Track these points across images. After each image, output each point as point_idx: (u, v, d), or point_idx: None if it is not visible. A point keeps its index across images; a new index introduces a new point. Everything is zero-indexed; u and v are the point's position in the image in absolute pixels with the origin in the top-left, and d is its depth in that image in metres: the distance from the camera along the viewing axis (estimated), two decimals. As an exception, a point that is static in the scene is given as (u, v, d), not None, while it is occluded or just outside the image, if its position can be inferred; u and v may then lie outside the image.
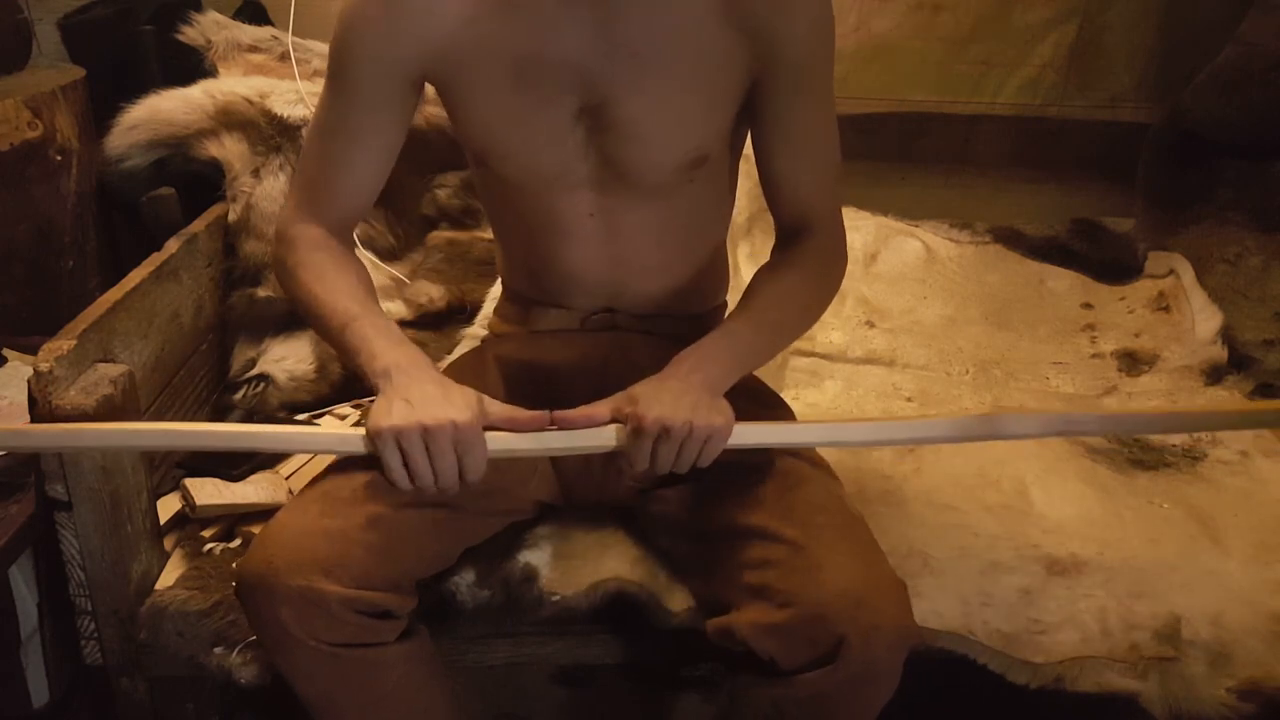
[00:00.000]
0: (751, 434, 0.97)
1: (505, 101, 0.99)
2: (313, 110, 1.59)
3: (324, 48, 1.70)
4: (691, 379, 0.94)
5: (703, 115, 1.01)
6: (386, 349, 0.94)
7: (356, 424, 1.46)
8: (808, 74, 1.00)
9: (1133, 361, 1.68)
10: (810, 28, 0.98)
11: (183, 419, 1.33)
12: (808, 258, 1.06)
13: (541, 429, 0.94)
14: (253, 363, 1.47)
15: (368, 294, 1.01)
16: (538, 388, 1.10)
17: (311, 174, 1.04)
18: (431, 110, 1.58)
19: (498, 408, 0.94)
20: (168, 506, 1.20)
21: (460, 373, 1.18)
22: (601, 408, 0.94)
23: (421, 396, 0.89)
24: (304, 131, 1.60)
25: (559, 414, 0.94)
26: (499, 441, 0.93)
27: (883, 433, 1.03)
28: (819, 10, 0.99)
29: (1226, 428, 1.27)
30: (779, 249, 1.09)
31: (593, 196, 1.05)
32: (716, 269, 1.20)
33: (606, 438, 0.94)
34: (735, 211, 1.21)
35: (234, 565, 1.12)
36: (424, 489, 0.90)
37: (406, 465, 0.88)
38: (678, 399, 0.91)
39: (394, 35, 0.96)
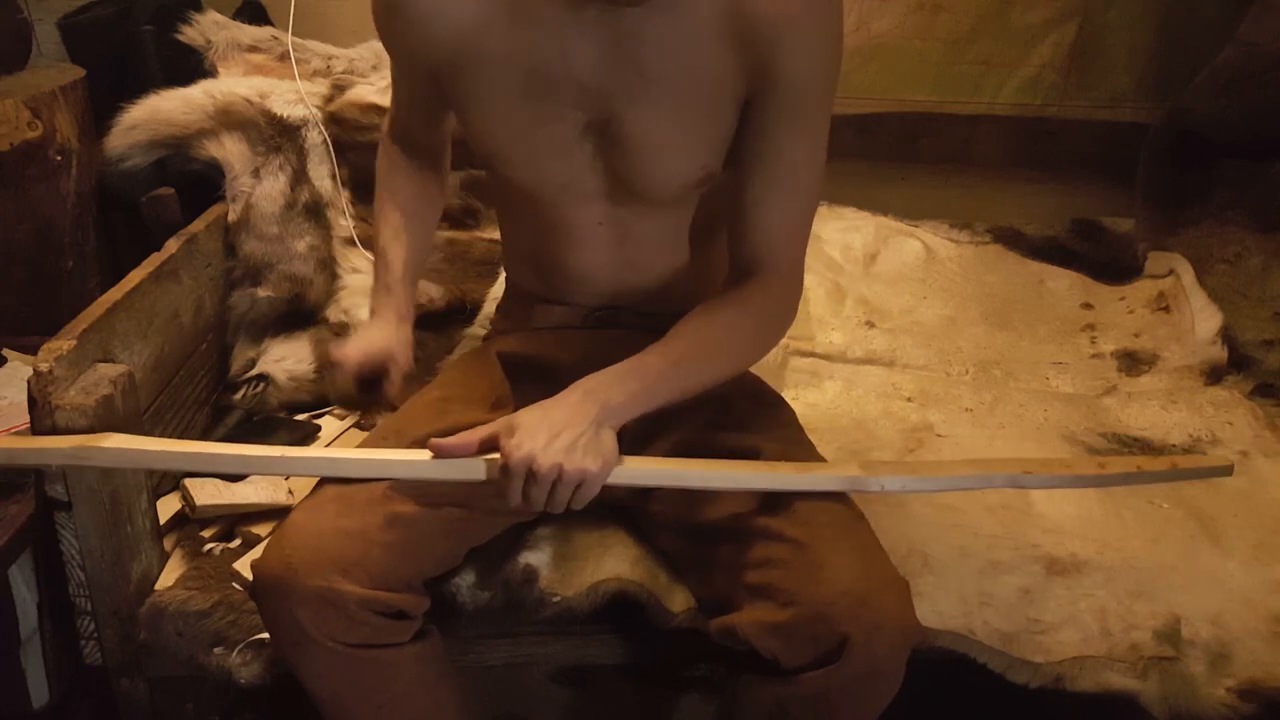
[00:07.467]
0: (636, 474, 0.94)
1: (512, 111, 0.99)
2: (312, 110, 1.61)
3: (324, 48, 1.74)
4: (581, 409, 0.89)
5: (706, 133, 1.00)
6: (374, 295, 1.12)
7: (356, 424, 1.46)
8: (800, 105, 0.96)
9: (1133, 361, 1.68)
10: (810, 59, 0.94)
11: (182, 419, 1.33)
12: (753, 297, 1.00)
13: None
14: (253, 363, 1.47)
15: (409, 222, 1.14)
16: (541, 384, 1.10)
17: (392, 111, 1.18)
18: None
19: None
20: (168, 506, 1.20)
21: (464, 369, 1.19)
22: (477, 435, 0.91)
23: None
24: (304, 132, 1.61)
25: (434, 442, 0.91)
26: (378, 466, 0.94)
27: (761, 481, 0.97)
28: (822, 46, 0.95)
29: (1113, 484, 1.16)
30: (726, 286, 1.03)
31: (603, 206, 1.05)
32: (723, 264, 1.20)
33: (476, 470, 0.90)
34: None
35: (235, 564, 1.12)
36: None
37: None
38: (554, 436, 0.87)
39: (406, 32, 0.99)
